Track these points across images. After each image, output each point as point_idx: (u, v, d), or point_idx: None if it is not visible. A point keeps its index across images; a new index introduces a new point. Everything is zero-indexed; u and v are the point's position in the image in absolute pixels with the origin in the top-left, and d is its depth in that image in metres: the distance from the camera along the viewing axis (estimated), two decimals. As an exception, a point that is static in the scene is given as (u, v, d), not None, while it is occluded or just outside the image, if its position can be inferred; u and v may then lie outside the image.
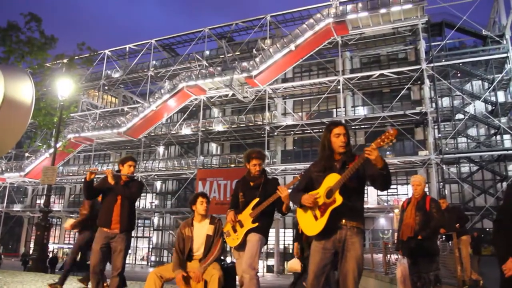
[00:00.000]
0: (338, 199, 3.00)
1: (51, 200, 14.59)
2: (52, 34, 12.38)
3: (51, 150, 16.90)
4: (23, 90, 2.58)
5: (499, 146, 25.15)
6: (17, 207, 40.80)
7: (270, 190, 4.18)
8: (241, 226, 4.19)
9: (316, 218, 3.11)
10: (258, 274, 4.01)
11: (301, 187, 3.38)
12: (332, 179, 3.07)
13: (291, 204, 3.80)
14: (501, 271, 2.93)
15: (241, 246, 4.19)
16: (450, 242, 9.01)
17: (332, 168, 3.18)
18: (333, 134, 3.21)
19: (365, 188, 3.29)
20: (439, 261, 5.30)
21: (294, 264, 8.58)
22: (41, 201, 39.18)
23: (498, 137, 25.84)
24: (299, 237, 7.59)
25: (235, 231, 4.24)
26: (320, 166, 3.28)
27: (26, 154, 37.41)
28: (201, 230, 4.50)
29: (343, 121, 25.79)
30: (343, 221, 3.07)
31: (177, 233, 4.68)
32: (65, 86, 12.34)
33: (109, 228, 4.71)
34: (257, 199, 4.17)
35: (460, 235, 8.43)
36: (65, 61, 14.49)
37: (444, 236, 9.70)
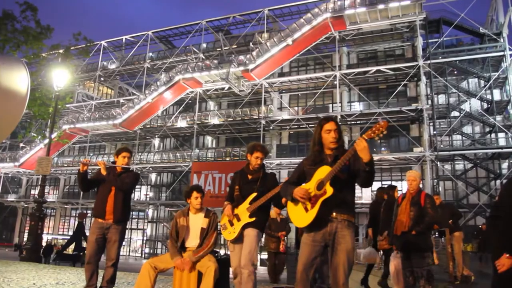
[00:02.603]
0: (329, 190, 3.00)
1: (46, 190, 14.59)
2: (48, 24, 12.26)
3: (46, 141, 16.82)
4: (18, 79, 2.56)
5: (494, 144, 25.28)
6: (11, 198, 40.63)
7: (268, 185, 4.19)
8: (238, 220, 4.20)
9: (306, 210, 3.11)
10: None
11: (293, 180, 3.38)
12: (323, 171, 3.07)
13: None
14: (494, 266, 2.96)
15: (237, 239, 4.21)
16: (443, 238, 9.09)
17: (323, 161, 3.18)
18: (324, 130, 3.21)
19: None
20: (432, 257, 5.34)
21: (371, 254, 7.37)
22: (35, 192, 39.03)
23: (493, 135, 25.94)
24: (373, 221, 7.04)
25: (231, 224, 4.25)
26: (311, 160, 3.28)
27: (21, 145, 37.24)
28: (196, 222, 4.51)
29: (339, 117, 26.03)
30: (334, 214, 3.07)
31: (172, 221, 4.70)
32: (60, 77, 12.29)
33: (103, 219, 4.73)
34: (254, 194, 4.18)
35: (452, 231, 8.49)
36: (61, 51, 14.38)
37: (437, 232, 9.77)
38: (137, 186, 36.22)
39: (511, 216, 3.01)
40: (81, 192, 35.58)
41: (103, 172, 4.78)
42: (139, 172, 33.43)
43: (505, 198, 3.17)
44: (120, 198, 4.79)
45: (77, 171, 4.86)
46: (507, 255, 2.88)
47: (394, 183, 27.94)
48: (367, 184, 3.03)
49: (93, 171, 5.01)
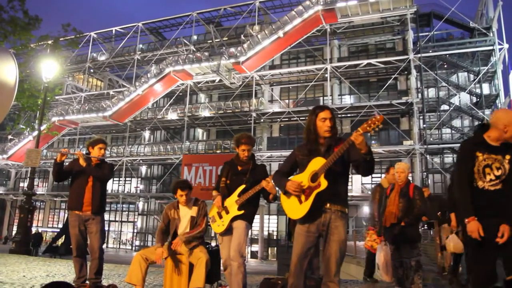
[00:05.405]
0: (323, 183, 3.00)
1: (35, 183, 14.46)
2: (36, 14, 12.11)
3: (35, 133, 16.63)
4: (6, 70, 2.53)
5: (482, 138, 25.50)
6: (-1, 190, 40.31)
7: (258, 177, 4.18)
8: (227, 212, 4.20)
9: (300, 201, 3.10)
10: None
11: (286, 170, 3.38)
12: (317, 163, 3.06)
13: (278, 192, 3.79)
14: (465, 238, 3.00)
15: (226, 232, 4.21)
16: (431, 230, 9.18)
17: (317, 151, 3.17)
18: (319, 118, 3.18)
19: (350, 176, 3.29)
20: (420, 248, 5.41)
21: (457, 242, 6.36)
22: (24, 184, 38.73)
23: (482, 128, 26.16)
24: (455, 206, 6.02)
25: (220, 217, 4.25)
26: (304, 149, 3.26)
27: (9, 137, 36.80)
28: (186, 212, 4.52)
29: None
30: (328, 205, 3.07)
31: (162, 213, 4.70)
32: (49, 68, 12.13)
33: (81, 211, 4.70)
34: (243, 186, 4.17)
35: (441, 223, 8.60)
36: (49, 42, 14.20)
37: (426, 225, 9.87)
38: (127, 179, 36.29)
39: (459, 180, 3.08)
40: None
41: (83, 163, 4.71)
42: (129, 164, 33.35)
43: (459, 163, 3.24)
44: (98, 189, 4.77)
45: (53, 161, 4.78)
46: (466, 219, 2.90)
47: (383, 176, 28.26)
48: (369, 171, 3.07)
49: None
